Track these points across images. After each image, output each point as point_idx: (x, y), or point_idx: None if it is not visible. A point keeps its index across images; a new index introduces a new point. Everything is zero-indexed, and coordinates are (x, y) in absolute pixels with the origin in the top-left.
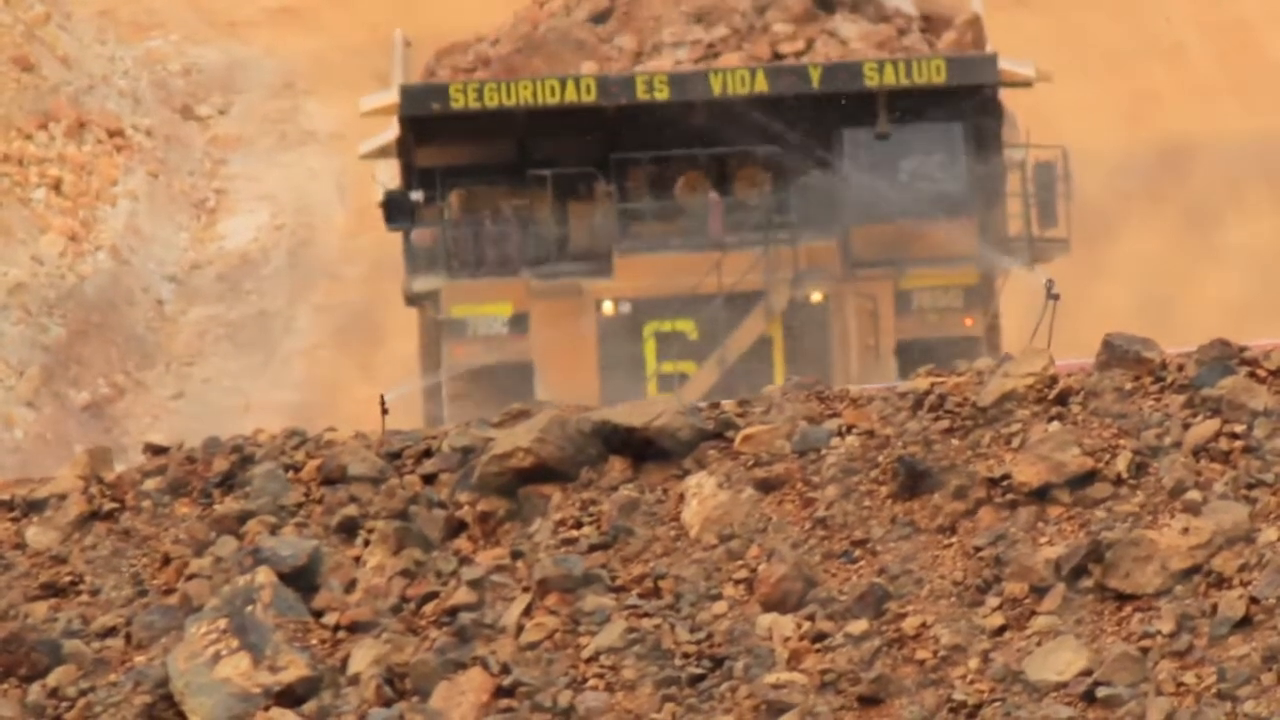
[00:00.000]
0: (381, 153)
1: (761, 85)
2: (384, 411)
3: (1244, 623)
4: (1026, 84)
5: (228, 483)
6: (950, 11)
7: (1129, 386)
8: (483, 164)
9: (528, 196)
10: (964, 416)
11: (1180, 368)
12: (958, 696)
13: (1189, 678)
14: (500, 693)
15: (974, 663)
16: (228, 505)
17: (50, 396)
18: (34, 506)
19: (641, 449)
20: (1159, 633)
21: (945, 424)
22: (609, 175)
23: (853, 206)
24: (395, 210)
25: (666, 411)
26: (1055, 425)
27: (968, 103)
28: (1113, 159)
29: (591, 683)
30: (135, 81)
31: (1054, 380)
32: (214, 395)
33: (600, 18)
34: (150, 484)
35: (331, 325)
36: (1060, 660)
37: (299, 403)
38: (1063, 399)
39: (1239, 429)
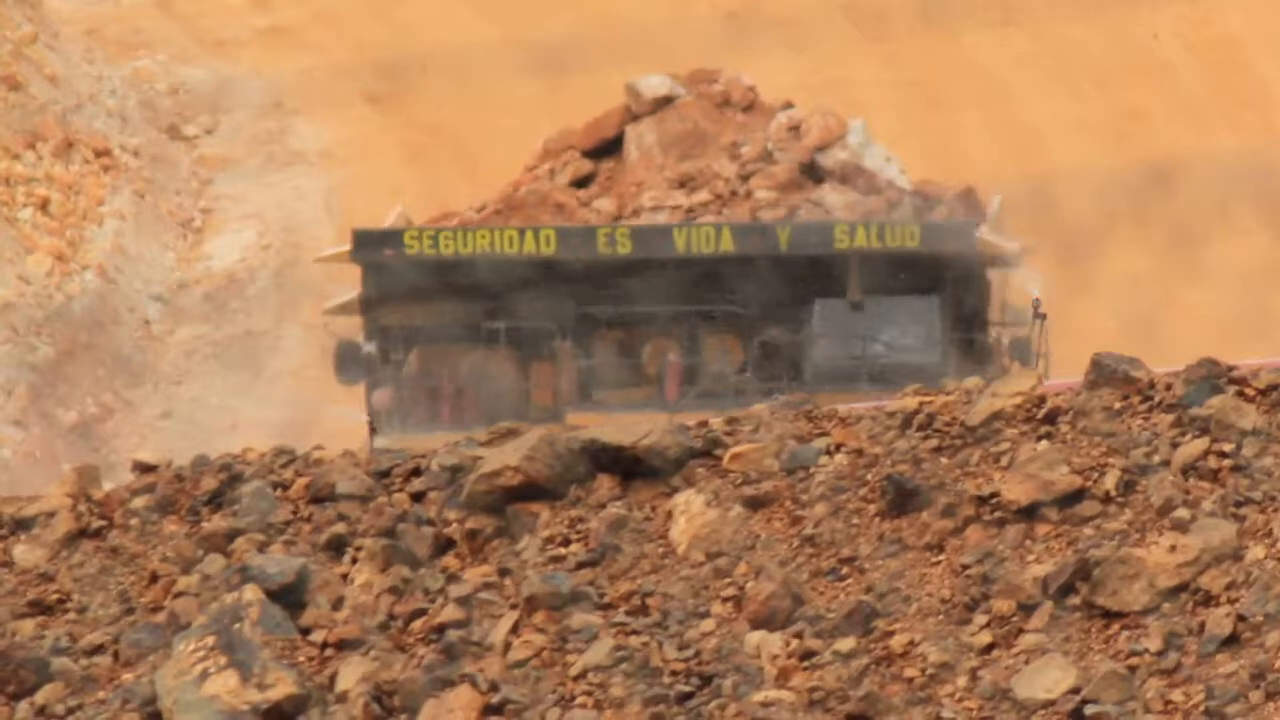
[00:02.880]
0: (343, 309)
1: (727, 244)
2: (372, 431)
3: (1231, 640)
4: (1006, 262)
5: (216, 501)
6: (949, 188)
7: (1117, 405)
8: (443, 322)
9: (487, 355)
10: (953, 435)
11: (1168, 387)
12: (946, 715)
13: (1177, 695)
14: (488, 710)
15: (962, 681)
16: (216, 523)
17: (38, 416)
18: (22, 524)
19: (630, 467)
20: (1147, 650)
21: (934, 443)
22: (567, 333)
23: (818, 374)
24: (344, 363)
25: (655, 430)
26: (1044, 444)
27: (949, 276)
28: (1099, 177)
29: (580, 700)
30: (123, 101)
31: (1042, 399)
32: (202, 414)
33: (582, 182)
34: (138, 502)
35: (318, 345)
36: (1048, 678)
37: (286, 421)
38: (1051, 418)
39: (1227, 447)
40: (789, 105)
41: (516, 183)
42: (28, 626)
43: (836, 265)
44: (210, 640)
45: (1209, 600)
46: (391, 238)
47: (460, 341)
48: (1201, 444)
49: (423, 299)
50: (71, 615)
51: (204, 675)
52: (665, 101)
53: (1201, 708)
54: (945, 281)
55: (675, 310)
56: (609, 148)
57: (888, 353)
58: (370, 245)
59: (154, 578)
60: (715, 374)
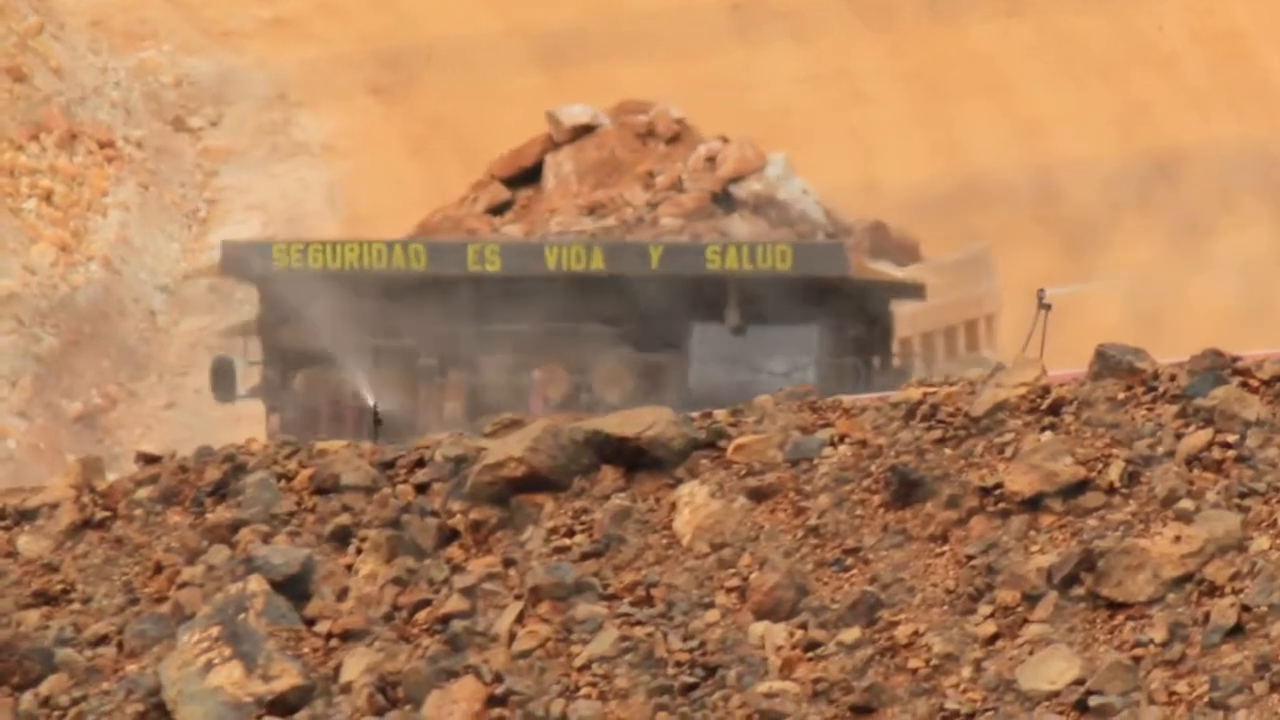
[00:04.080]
0: (242, 330)
1: (598, 262)
2: (377, 422)
3: (1236, 631)
4: (892, 289)
5: (220, 491)
6: (861, 221)
7: (1121, 396)
8: (326, 341)
9: (374, 375)
10: (956, 426)
11: (1172, 377)
12: (950, 705)
13: (1181, 686)
14: (492, 701)
15: (966, 671)
16: (220, 514)
17: (42, 406)
18: (26, 515)
19: (634, 458)
20: (1151, 641)
21: (938, 433)
22: (445, 352)
23: (694, 399)
24: (217, 379)
25: (659, 421)
26: (1048, 435)
27: (834, 302)
28: (1104, 168)
29: (584, 691)
30: (127, 92)
31: (1046, 390)
32: (206, 405)
33: (499, 209)
34: (142, 493)
35: None
36: (1053, 669)
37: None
38: (1055, 409)
39: (1231, 439)
40: (723, 139)
41: (438, 210)
42: (32, 617)
43: (717, 288)
44: (215, 631)
45: (1213, 591)
46: (260, 250)
47: (346, 362)
48: (1206, 435)
49: (303, 316)
50: (76, 606)
51: (208, 666)
52: (586, 130)
53: (1206, 699)
54: (830, 308)
55: (550, 328)
56: (529, 176)
57: (763, 379)
58: (238, 259)
59: (158, 568)
60: (583, 392)
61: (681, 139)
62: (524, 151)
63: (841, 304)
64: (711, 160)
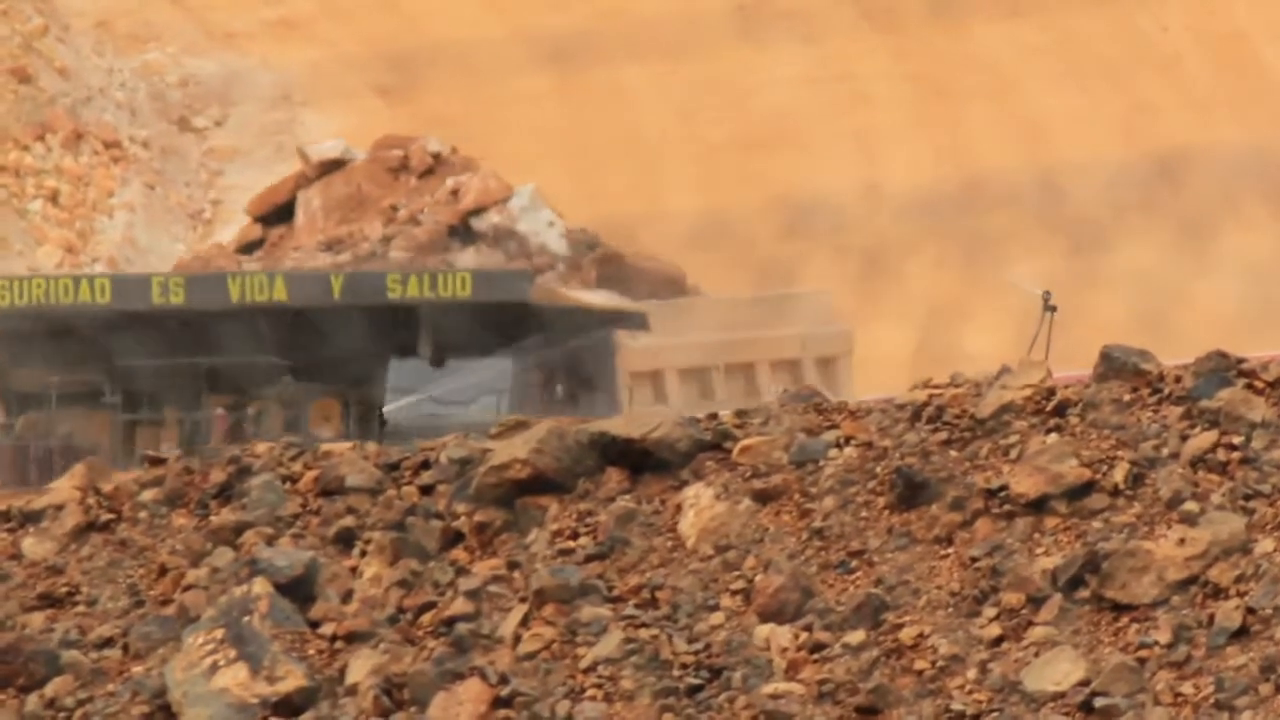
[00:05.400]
0: None
1: (280, 293)
2: (382, 424)
3: (1241, 633)
4: (613, 320)
5: (225, 494)
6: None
7: (1127, 398)
8: (39, 380)
9: (88, 415)
10: (962, 428)
11: (1178, 379)
12: (956, 707)
13: (1186, 688)
14: (498, 703)
15: (972, 673)
16: (225, 516)
17: None
18: (31, 517)
19: (639, 460)
20: (1156, 643)
21: (943, 435)
22: (115, 385)
23: (393, 431)
24: None
25: (664, 423)
26: (1053, 436)
27: (542, 335)
28: (1108, 169)
29: (589, 693)
30: (132, 93)
31: (1051, 392)
32: None
33: (250, 247)
34: (147, 495)
35: None
36: (1058, 671)
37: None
38: (1060, 410)
39: (1236, 440)
40: (475, 169)
41: (195, 251)
42: (37, 619)
43: (409, 318)
44: (220, 633)
45: (1218, 593)
46: None
47: (68, 401)
48: (1211, 437)
49: (19, 357)
50: (81, 608)
51: (214, 668)
52: (335, 165)
53: (1211, 700)
54: (535, 338)
55: (225, 362)
56: (283, 213)
57: (460, 411)
58: None
59: (163, 570)
60: (270, 427)
61: (436, 172)
62: (278, 188)
63: (553, 333)
64: (456, 193)
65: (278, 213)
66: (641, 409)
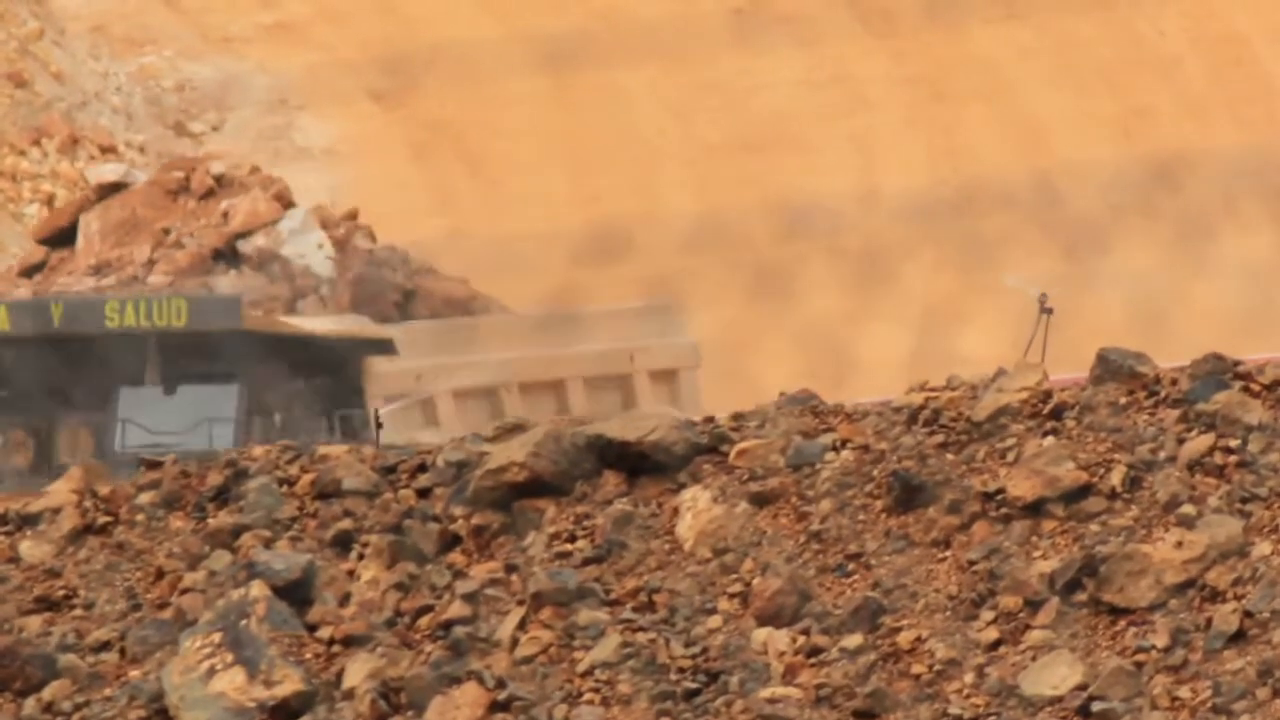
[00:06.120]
0: None
1: (3, 323)
2: (378, 426)
3: (1238, 637)
4: (361, 345)
5: (222, 497)
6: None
7: (1123, 401)
8: None
9: None
10: (958, 431)
11: (1174, 382)
12: (953, 711)
13: (1184, 692)
14: (495, 707)
15: (969, 677)
16: (222, 519)
17: None
18: (28, 520)
19: (636, 463)
20: (1153, 647)
21: (940, 438)
22: None
23: (118, 461)
24: None
25: (661, 426)
26: (1050, 440)
27: (281, 362)
28: (1105, 172)
29: (587, 697)
30: (129, 97)
31: (1048, 395)
32: None
33: (31, 271)
34: (144, 498)
35: None
36: (1055, 675)
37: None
38: (1057, 413)
39: (1233, 443)
40: (248, 188)
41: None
42: (34, 623)
43: (138, 345)
44: (217, 637)
45: (1216, 597)
46: None
47: None
48: (1207, 440)
49: None
50: (78, 611)
51: (211, 672)
52: (115, 188)
53: (1209, 704)
54: (274, 364)
55: None
56: (67, 236)
57: (184, 440)
58: None
59: (160, 574)
60: None
61: (217, 194)
62: (61, 211)
63: (281, 360)
64: (226, 215)
65: (61, 236)
66: (411, 433)
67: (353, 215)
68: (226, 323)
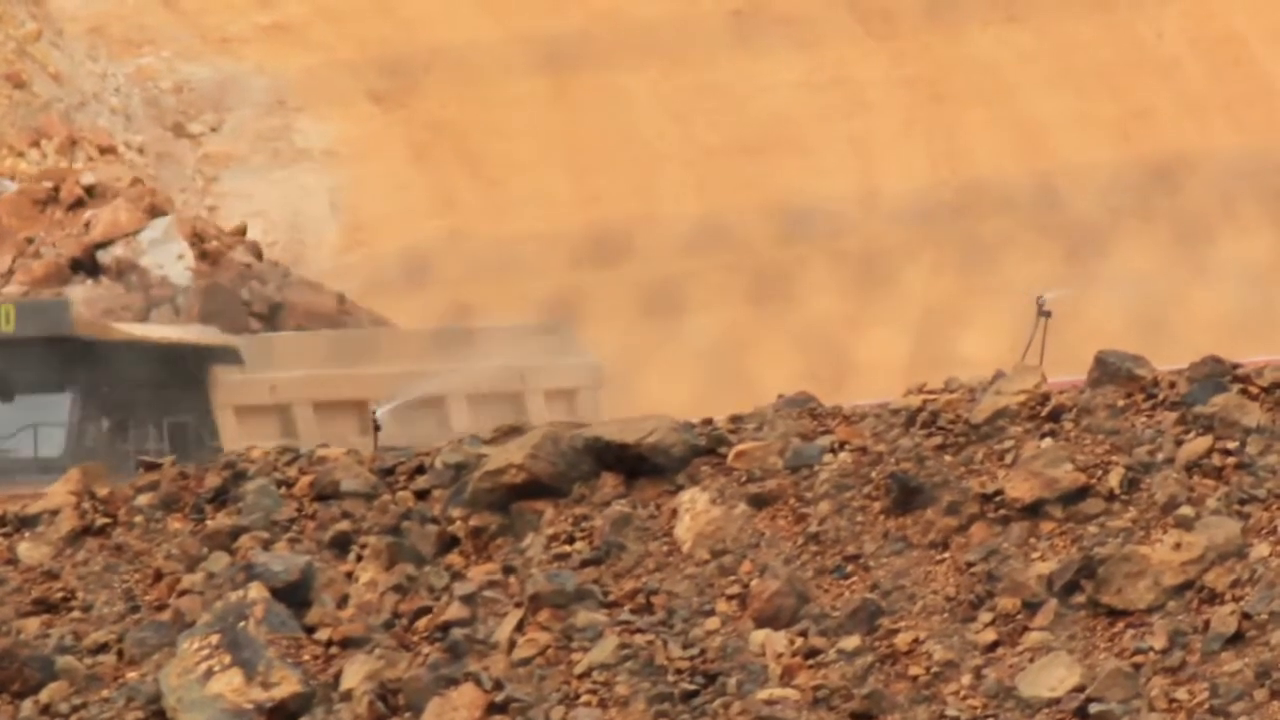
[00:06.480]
0: None
1: None
2: (376, 428)
3: (1236, 638)
4: (207, 354)
5: (220, 498)
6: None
7: (1121, 403)
8: None
9: None
10: (956, 433)
11: (1172, 384)
12: (951, 712)
13: (1182, 694)
14: (493, 709)
15: (967, 679)
16: (220, 521)
17: None
18: (26, 522)
19: (634, 465)
20: (1151, 649)
21: (938, 440)
22: None
23: None
24: None
25: (659, 428)
26: (1048, 441)
27: (121, 370)
28: (1104, 174)
29: (584, 699)
30: (127, 99)
31: (1046, 397)
32: None
33: None
34: (143, 499)
35: None
36: (1053, 676)
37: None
38: (1055, 415)
39: (1231, 445)
40: (115, 199)
41: None
42: (32, 625)
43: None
44: (215, 639)
45: (1214, 598)
46: None
47: None
48: (1205, 442)
49: None
50: (76, 613)
51: (208, 674)
52: None
53: (1206, 706)
54: (88, 373)
55: None
56: None
57: (16, 448)
58: None
59: (158, 576)
60: None
61: (86, 204)
62: None
63: (117, 367)
64: (87, 225)
65: None
66: (262, 444)
67: (241, 231)
68: (56, 328)
